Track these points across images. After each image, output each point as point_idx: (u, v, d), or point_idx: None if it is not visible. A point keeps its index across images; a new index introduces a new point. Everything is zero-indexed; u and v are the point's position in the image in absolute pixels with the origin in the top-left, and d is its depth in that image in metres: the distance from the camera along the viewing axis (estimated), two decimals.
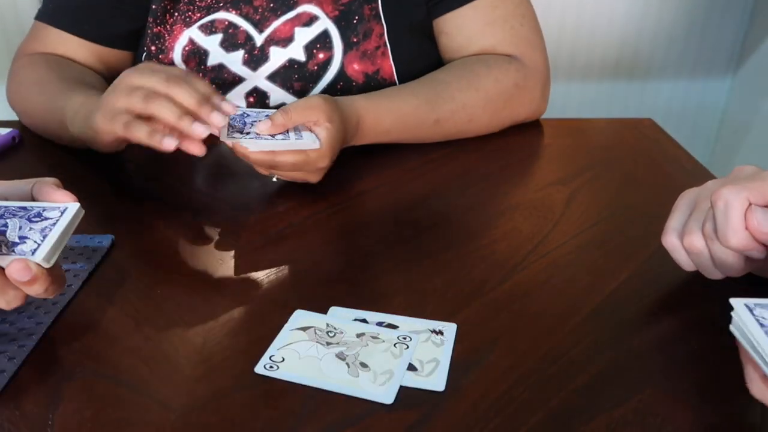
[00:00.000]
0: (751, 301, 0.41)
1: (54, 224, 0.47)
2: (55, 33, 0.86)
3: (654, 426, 0.42)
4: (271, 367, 0.47)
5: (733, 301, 0.41)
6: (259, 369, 0.47)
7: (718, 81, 1.85)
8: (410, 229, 0.66)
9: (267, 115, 0.68)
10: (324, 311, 0.53)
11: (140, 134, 0.62)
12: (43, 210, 0.48)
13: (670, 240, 0.52)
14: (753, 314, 0.40)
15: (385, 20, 0.83)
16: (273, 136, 0.65)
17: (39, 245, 0.45)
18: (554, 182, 0.74)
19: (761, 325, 0.39)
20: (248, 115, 0.69)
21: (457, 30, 0.85)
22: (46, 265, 0.45)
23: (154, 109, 0.61)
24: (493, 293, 0.55)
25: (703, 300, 0.54)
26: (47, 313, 0.52)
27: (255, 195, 0.72)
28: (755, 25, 1.74)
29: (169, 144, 0.61)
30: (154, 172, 0.76)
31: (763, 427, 0.40)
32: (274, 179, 0.72)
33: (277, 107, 0.71)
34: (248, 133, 0.65)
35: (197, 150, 0.63)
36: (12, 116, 0.89)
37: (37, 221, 0.47)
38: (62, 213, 0.48)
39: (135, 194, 0.72)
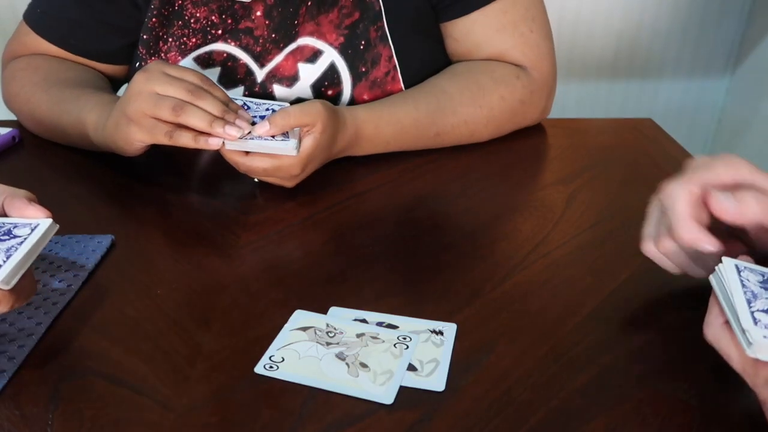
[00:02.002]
0: (742, 263, 0.42)
1: (21, 243, 0.45)
2: (43, 42, 0.84)
3: (654, 426, 0.42)
4: (271, 367, 0.47)
5: (725, 258, 0.43)
6: (259, 369, 0.47)
7: (716, 81, 1.85)
8: (410, 229, 0.66)
9: (268, 108, 0.68)
10: (324, 311, 0.53)
11: (186, 140, 0.64)
12: (14, 227, 0.47)
13: (647, 247, 0.53)
14: (740, 275, 0.41)
15: (393, 39, 0.80)
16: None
17: (0, 266, 0.43)
18: (554, 182, 0.74)
19: (743, 284, 0.40)
20: (248, 108, 0.69)
21: (465, 36, 0.82)
22: (5, 287, 0.43)
23: (185, 119, 0.63)
24: (493, 293, 0.55)
25: (703, 300, 0.53)
26: (47, 313, 0.52)
27: (255, 195, 0.72)
28: (753, 25, 1.75)
29: (215, 142, 0.64)
30: (154, 173, 0.76)
31: (764, 427, 0.40)
32: (256, 180, 0.72)
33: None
34: (249, 132, 0.65)
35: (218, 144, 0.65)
36: (12, 116, 0.89)
37: (5, 240, 0.45)
38: (33, 230, 0.47)
39: (135, 194, 0.72)
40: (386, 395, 0.44)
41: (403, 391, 0.45)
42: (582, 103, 1.82)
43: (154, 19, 0.80)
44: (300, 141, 0.66)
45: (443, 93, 0.79)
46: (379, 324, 0.51)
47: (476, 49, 0.83)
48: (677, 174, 0.49)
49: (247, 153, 0.66)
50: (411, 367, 0.47)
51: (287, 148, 0.65)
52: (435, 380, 0.46)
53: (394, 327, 0.51)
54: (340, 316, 0.52)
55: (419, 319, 0.52)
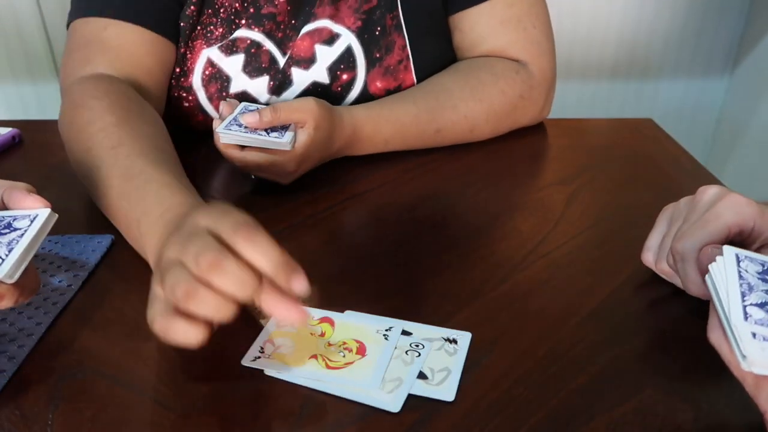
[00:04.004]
0: (743, 252, 0.42)
1: (22, 235, 0.45)
2: (102, 23, 0.74)
3: (654, 426, 0.42)
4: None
5: (725, 247, 0.42)
6: (264, 367, 0.47)
7: (716, 81, 1.85)
8: (410, 229, 0.66)
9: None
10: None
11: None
12: (14, 220, 0.46)
13: (647, 259, 0.56)
14: (739, 265, 0.41)
15: (407, 30, 0.81)
16: (254, 129, 0.66)
17: (3, 261, 0.43)
18: (554, 182, 0.74)
19: (740, 275, 0.40)
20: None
21: (470, 27, 0.83)
22: (10, 281, 0.43)
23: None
24: (493, 293, 0.55)
25: (703, 300, 0.54)
26: (47, 313, 0.52)
27: (254, 195, 0.72)
28: (752, 25, 1.75)
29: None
30: None
31: (764, 428, 0.40)
32: (253, 177, 0.72)
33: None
34: (247, 128, 0.66)
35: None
36: (12, 116, 0.89)
37: (6, 233, 0.45)
38: (32, 221, 0.46)
39: None
40: (393, 403, 0.44)
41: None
42: (582, 103, 1.82)
43: (192, 7, 0.78)
44: (295, 137, 0.66)
45: (443, 89, 0.80)
46: (389, 329, 0.50)
47: (480, 41, 0.84)
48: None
49: (242, 147, 0.66)
50: (422, 375, 0.46)
51: (281, 142, 0.65)
52: (445, 390, 0.45)
53: (407, 333, 0.50)
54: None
55: (433, 326, 0.51)
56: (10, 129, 0.84)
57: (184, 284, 0.41)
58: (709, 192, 0.51)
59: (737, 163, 1.82)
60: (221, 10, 0.79)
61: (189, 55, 0.80)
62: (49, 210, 0.47)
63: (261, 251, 0.42)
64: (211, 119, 0.81)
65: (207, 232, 0.43)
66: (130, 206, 0.57)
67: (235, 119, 0.67)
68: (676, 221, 0.53)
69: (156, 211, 0.53)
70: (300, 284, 0.43)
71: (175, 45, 0.78)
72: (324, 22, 0.80)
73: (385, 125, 0.76)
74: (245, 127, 0.66)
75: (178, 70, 0.80)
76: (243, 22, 0.80)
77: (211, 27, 0.80)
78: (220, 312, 0.41)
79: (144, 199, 0.55)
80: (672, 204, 0.55)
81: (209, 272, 0.40)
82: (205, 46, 0.80)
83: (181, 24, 0.78)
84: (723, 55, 1.81)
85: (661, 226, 0.55)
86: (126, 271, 0.59)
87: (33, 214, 0.47)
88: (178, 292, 0.41)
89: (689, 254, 0.48)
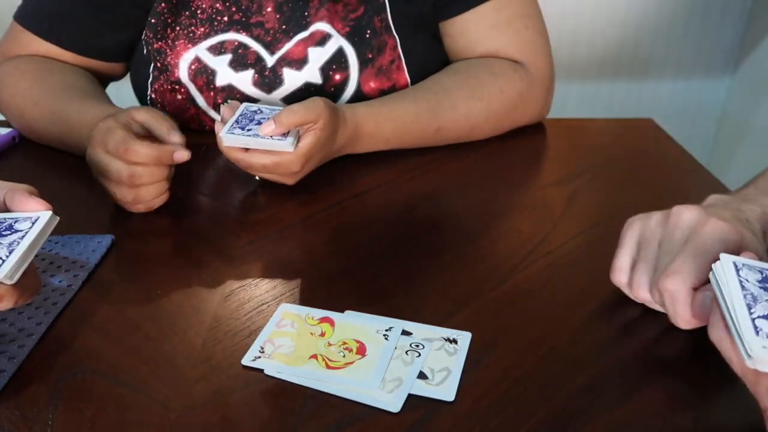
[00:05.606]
0: (741, 260, 0.42)
1: (22, 237, 0.45)
2: (35, 39, 0.83)
3: (654, 426, 0.42)
4: (275, 369, 0.47)
5: (723, 255, 0.42)
6: (264, 368, 0.47)
7: (717, 80, 1.85)
8: (410, 229, 0.66)
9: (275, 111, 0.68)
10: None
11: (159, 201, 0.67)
12: (15, 221, 0.47)
13: (619, 280, 0.52)
14: (738, 274, 0.40)
15: (396, 30, 0.81)
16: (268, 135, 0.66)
17: (3, 262, 0.43)
18: (554, 182, 0.74)
19: (742, 286, 0.40)
20: (261, 111, 0.69)
21: (460, 33, 0.84)
22: (10, 282, 0.43)
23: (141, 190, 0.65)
24: (493, 293, 0.55)
25: None
26: (47, 313, 0.52)
27: (255, 195, 0.72)
28: (754, 24, 1.74)
29: (181, 155, 0.65)
30: None
31: (764, 429, 0.40)
32: (257, 177, 0.72)
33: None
34: (250, 130, 0.66)
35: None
36: None
37: (7, 235, 0.45)
38: (33, 223, 0.46)
39: None
40: (393, 403, 0.44)
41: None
42: (582, 103, 1.81)
43: (163, 4, 0.80)
44: (297, 138, 0.66)
45: (443, 89, 0.80)
46: (389, 329, 0.50)
47: (472, 46, 0.84)
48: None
49: (246, 150, 0.66)
50: (422, 375, 0.46)
51: (284, 144, 0.65)
52: (445, 389, 0.45)
53: (407, 333, 0.50)
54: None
55: (433, 326, 0.51)
56: (10, 129, 0.84)
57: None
58: (685, 216, 0.48)
59: (739, 164, 1.82)
60: (198, 12, 0.80)
61: (169, 52, 0.81)
62: (50, 212, 0.48)
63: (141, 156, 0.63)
64: (203, 112, 0.82)
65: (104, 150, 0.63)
66: (63, 135, 0.77)
67: (237, 121, 0.67)
68: (649, 244, 0.50)
69: (78, 133, 0.72)
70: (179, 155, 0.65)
71: (104, 61, 0.86)
72: (316, 26, 0.80)
73: (385, 123, 0.76)
74: (248, 130, 0.66)
75: (159, 65, 0.82)
76: (225, 20, 0.80)
77: (192, 27, 0.81)
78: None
79: (71, 130, 0.74)
80: (639, 218, 0.52)
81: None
82: (190, 45, 0.81)
83: (152, 20, 0.81)
84: (725, 54, 1.81)
85: (630, 244, 0.51)
86: (126, 271, 0.59)
87: (34, 216, 0.47)
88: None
89: (681, 295, 0.45)
